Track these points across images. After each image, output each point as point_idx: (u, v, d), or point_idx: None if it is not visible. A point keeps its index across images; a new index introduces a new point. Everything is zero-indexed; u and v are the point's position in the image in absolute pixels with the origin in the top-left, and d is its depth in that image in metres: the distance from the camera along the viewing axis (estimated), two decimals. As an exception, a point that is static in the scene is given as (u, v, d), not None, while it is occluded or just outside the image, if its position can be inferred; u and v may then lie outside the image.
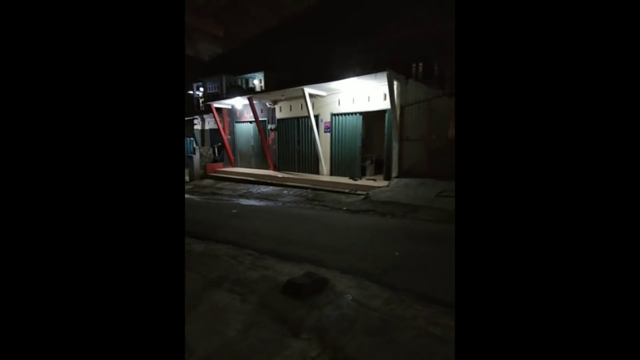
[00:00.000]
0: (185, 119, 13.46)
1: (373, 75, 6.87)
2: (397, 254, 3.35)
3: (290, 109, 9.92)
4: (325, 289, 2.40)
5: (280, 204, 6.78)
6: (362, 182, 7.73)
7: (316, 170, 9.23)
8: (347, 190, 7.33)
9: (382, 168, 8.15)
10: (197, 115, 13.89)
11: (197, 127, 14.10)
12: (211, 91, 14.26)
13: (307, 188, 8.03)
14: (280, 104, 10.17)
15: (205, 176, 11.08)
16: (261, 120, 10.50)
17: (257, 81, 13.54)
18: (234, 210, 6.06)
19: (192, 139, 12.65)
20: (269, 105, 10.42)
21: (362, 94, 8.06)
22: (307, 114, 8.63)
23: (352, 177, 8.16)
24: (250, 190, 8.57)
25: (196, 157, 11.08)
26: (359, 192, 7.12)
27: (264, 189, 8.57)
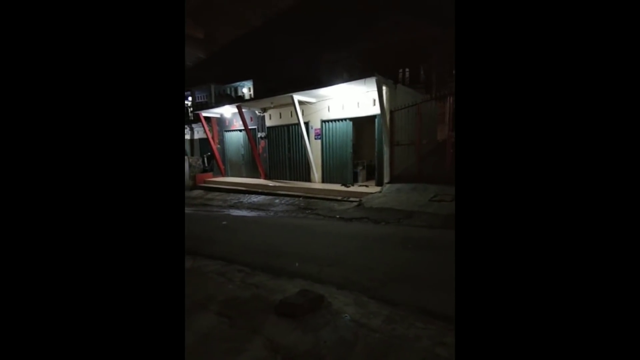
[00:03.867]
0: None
1: (362, 80, 6.83)
2: (394, 264, 3.22)
3: (280, 117, 9.80)
4: (320, 307, 2.25)
5: (272, 213, 6.60)
6: (355, 188, 7.63)
7: (308, 178, 9.10)
8: (339, 198, 7.21)
9: (373, 173, 8.08)
10: (185, 124, 13.64)
11: (186, 136, 13.82)
12: (200, 100, 14.04)
13: (299, 196, 7.88)
14: (269, 111, 10.05)
15: (194, 187, 10.82)
16: (251, 129, 10.35)
17: (246, 89, 13.42)
18: (224, 222, 5.85)
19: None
20: (258, 114, 10.28)
21: (351, 99, 8.02)
22: (297, 121, 8.54)
23: (344, 184, 8.06)
24: (241, 200, 8.36)
25: (185, 168, 10.82)
26: (351, 199, 7.01)
27: (255, 198, 8.38)
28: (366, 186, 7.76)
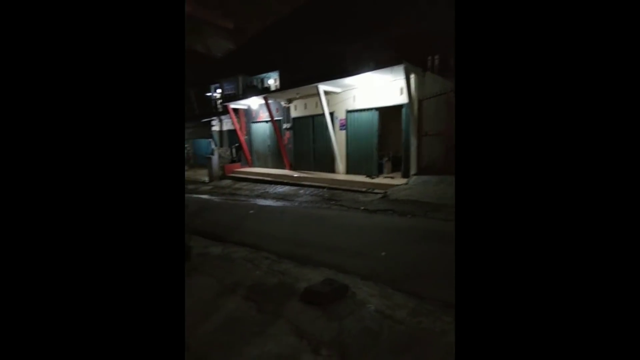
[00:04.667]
0: (203, 120, 13.66)
1: (389, 69, 6.63)
2: (421, 257, 3.16)
3: (305, 107, 9.81)
4: (345, 297, 2.27)
5: (296, 204, 6.70)
6: (380, 180, 7.51)
7: (332, 169, 9.09)
8: (364, 189, 7.15)
9: (399, 165, 7.89)
10: (215, 116, 14.08)
11: (216, 128, 14.28)
12: (228, 92, 14.40)
13: (323, 187, 7.91)
14: (295, 102, 10.09)
15: (223, 177, 11.21)
16: (277, 120, 10.47)
17: (272, 80, 13.54)
18: (251, 211, 6.04)
19: (210, 140, 12.85)
20: (284, 105, 10.36)
21: (377, 89, 7.82)
22: (322, 112, 8.50)
23: (369, 175, 7.96)
24: (267, 190, 8.55)
25: (215, 158, 11.22)
26: (376, 190, 6.92)
27: (280, 188, 8.53)
28: (391, 178, 7.61)
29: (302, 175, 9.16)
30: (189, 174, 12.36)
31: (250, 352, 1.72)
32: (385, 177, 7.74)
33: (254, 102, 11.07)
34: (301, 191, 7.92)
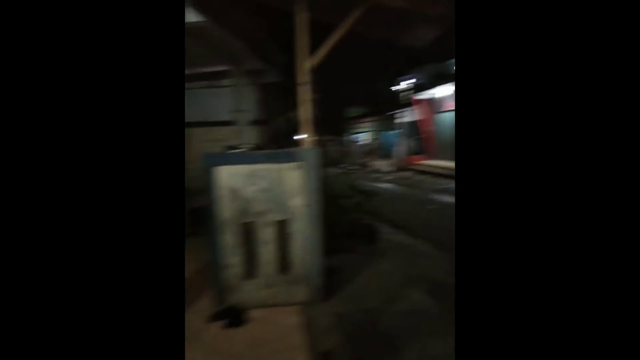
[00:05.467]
0: (389, 113, 14.42)
1: None
2: None
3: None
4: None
5: (487, 205, 5.88)
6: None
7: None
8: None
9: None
10: (401, 108, 14.51)
11: (402, 120, 14.73)
12: (417, 82, 14.36)
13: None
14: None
15: (405, 168, 11.52)
16: (468, 108, 9.42)
17: (466, 64, 12.18)
18: (432, 206, 5.91)
19: (396, 132, 13.44)
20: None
21: None
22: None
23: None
24: (448, 186, 8.02)
25: (398, 150, 11.71)
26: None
27: (467, 185, 7.74)
28: None
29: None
30: (374, 163, 13.55)
31: (434, 348, 1.80)
32: None
33: (442, 91, 10.45)
34: (494, 191, 6.83)
